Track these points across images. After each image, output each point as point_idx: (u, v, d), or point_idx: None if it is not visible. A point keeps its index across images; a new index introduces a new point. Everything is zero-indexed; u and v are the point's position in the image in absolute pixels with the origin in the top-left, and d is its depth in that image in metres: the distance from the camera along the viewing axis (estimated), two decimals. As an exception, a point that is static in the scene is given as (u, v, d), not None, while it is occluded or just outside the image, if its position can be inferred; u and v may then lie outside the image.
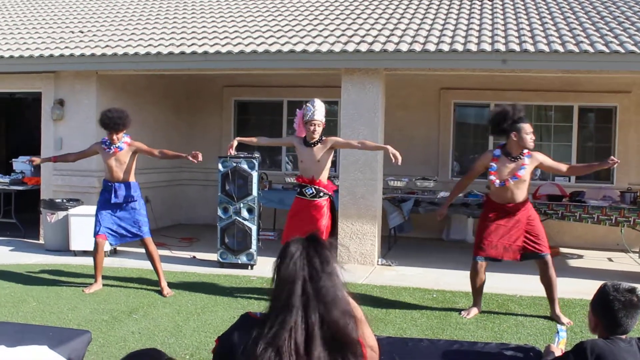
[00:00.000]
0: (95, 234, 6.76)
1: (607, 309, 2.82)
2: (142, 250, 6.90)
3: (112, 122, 6.56)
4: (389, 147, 6.09)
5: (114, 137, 6.63)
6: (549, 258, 5.92)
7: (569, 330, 5.28)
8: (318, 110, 6.15)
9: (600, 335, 2.88)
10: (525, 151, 5.86)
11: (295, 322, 1.93)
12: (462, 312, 6.07)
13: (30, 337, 3.22)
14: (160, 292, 6.66)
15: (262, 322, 1.99)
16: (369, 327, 2.29)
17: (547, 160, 6.02)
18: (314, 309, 1.94)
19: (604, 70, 7.96)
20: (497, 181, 5.86)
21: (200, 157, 6.43)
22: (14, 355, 2.84)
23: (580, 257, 9.36)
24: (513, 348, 3.31)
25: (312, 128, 6.13)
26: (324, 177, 6.25)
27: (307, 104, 6.22)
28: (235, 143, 6.58)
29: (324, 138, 6.25)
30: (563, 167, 6.14)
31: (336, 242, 6.40)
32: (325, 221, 6.16)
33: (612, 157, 5.77)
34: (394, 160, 5.92)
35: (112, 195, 6.72)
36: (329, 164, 6.30)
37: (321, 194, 6.22)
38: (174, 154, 6.86)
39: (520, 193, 5.91)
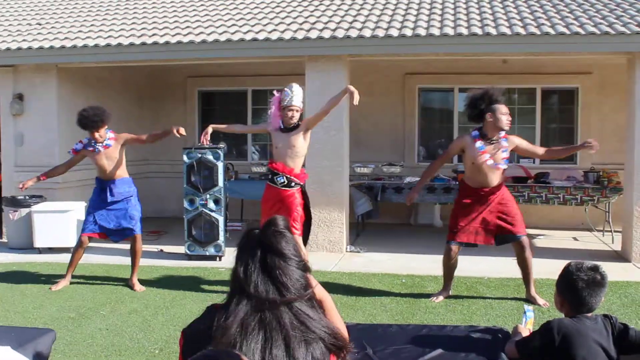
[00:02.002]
0: (83, 231, 6.61)
1: (571, 288, 2.85)
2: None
3: (89, 122, 6.34)
4: (348, 86, 5.81)
5: (96, 135, 6.41)
6: (525, 240, 5.90)
7: (536, 309, 5.35)
8: (296, 95, 5.95)
9: (567, 314, 2.91)
10: (502, 134, 5.80)
11: (252, 302, 2.02)
12: (432, 297, 6.06)
13: (-9, 339, 3.14)
14: (130, 287, 6.58)
15: (225, 307, 2.06)
16: (338, 314, 2.29)
17: (523, 143, 5.96)
18: (270, 290, 2.03)
19: (566, 52, 8.03)
20: (491, 161, 5.73)
21: (183, 131, 6.48)
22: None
23: (546, 237, 9.49)
24: (482, 330, 3.33)
25: (290, 114, 5.94)
26: (297, 165, 6.06)
27: (285, 89, 5.99)
28: (210, 130, 6.37)
29: (299, 123, 6.06)
30: (540, 150, 6.08)
31: (309, 230, 6.32)
32: (299, 210, 6.02)
33: (589, 140, 5.68)
34: (354, 101, 5.62)
35: (109, 194, 6.56)
36: (304, 151, 6.09)
37: (292, 184, 6.03)
38: (162, 132, 6.72)
39: (496, 177, 5.87)
